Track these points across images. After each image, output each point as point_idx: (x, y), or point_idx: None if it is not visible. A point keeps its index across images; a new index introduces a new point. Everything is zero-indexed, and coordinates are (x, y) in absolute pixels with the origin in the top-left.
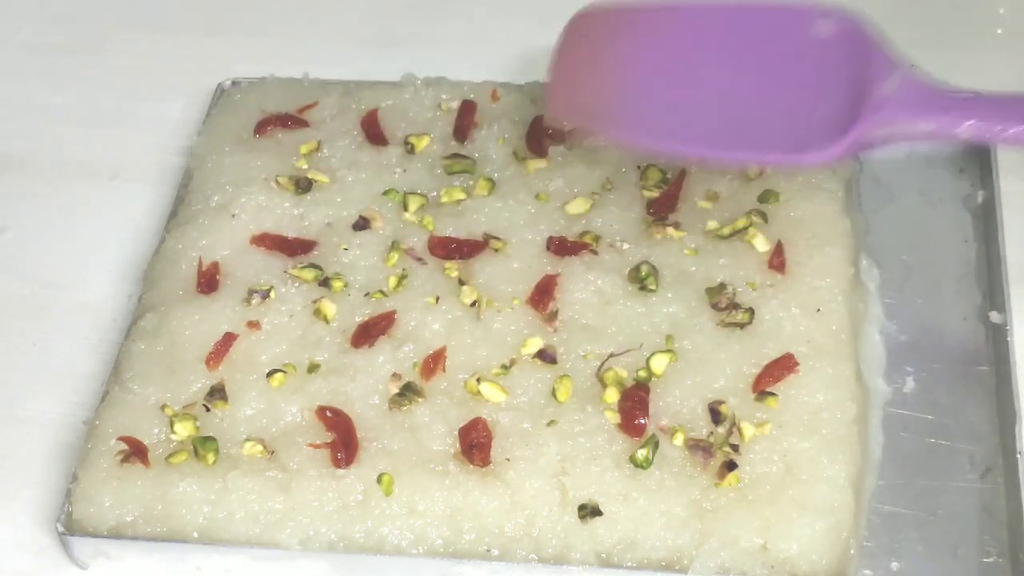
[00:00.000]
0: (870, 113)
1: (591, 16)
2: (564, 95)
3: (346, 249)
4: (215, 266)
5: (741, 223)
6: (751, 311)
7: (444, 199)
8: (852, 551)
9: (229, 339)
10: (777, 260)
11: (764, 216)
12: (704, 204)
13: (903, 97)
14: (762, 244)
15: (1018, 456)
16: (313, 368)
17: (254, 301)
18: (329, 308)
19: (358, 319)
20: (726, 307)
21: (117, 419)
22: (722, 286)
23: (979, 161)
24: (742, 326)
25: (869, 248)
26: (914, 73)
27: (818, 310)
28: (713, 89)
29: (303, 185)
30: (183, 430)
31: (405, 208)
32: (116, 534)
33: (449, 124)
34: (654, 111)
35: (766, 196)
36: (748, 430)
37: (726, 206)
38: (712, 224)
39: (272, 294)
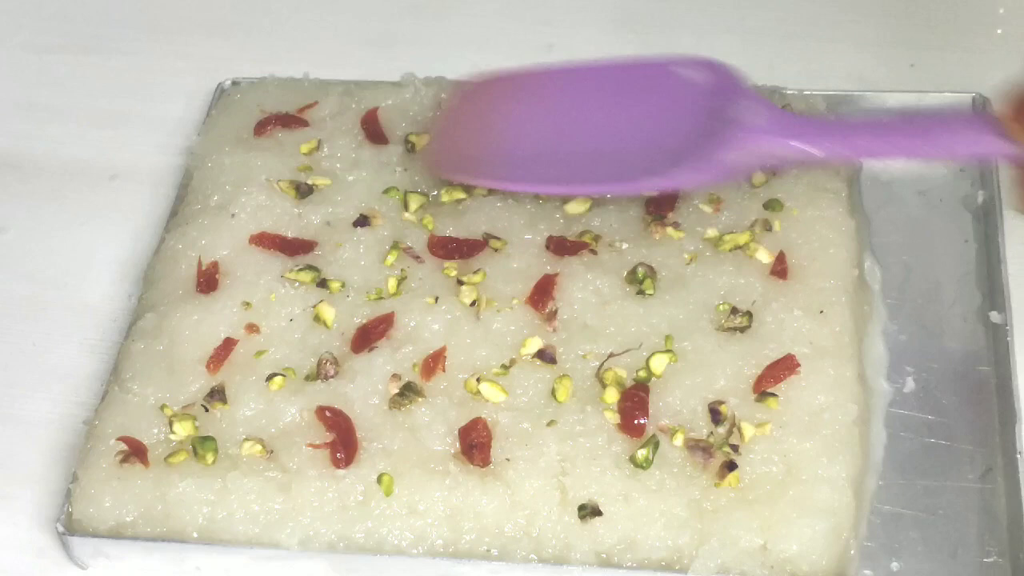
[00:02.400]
0: (736, 138)
1: (475, 85)
2: (445, 153)
3: (344, 247)
4: (215, 266)
5: (743, 239)
6: (749, 314)
7: (444, 198)
8: (852, 551)
9: (229, 344)
10: (779, 267)
11: (768, 225)
12: (705, 207)
13: (766, 124)
14: (764, 256)
15: (1018, 456)
16: (312, 376)
17: (254, 304)
18: (328, 312)
19: (357, 320)
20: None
21: (117, 419)
22: (722, 303)
23: (979, 161)
24: (742, 330)
25: (869, 248)
26: (778, 107)
27: (821, 311)
28: (589, 136)
29: (303, 191)
30: (182, 430)
31: (405, 207)
32: (116, 534)
33: None
34: (530, 159)
35: (771, 204)
36: (748, 430)
37: (728, 214)
38: (712, 232)
39: (272, 297)
